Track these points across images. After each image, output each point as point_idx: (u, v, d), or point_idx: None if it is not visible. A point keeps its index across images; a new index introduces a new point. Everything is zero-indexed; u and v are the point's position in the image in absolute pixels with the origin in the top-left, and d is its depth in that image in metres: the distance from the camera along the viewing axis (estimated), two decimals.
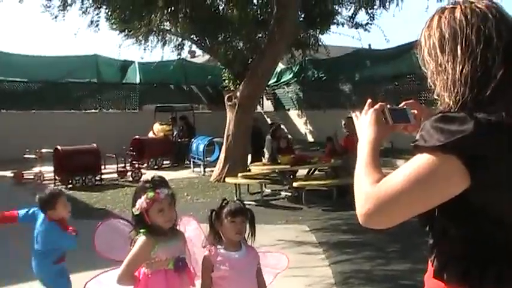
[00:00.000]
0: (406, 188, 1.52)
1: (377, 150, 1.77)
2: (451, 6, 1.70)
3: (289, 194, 11.79)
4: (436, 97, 1.71)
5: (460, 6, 1.68)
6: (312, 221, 9.28)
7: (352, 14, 19.09)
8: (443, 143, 1.49)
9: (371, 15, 18.39)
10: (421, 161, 1.54)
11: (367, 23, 18.89)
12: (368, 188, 1.61)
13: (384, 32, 48.73)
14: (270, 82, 23.10)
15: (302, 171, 12.82)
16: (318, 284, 6.03)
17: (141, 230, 3.35)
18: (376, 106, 1.87)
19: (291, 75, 25.89)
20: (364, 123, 1.86)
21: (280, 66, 22.88)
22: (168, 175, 12.08)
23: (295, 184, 11.35)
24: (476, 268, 1.58)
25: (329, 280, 6.18)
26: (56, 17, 15.41)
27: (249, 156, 15.01)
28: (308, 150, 18.84)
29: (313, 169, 12.76)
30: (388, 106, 1.88)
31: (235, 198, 8.14)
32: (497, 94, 1.54)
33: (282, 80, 26.33)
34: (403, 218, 1.57)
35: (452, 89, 1.61)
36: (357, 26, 19.30)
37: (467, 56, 1.59)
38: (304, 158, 12.61)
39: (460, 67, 1.60)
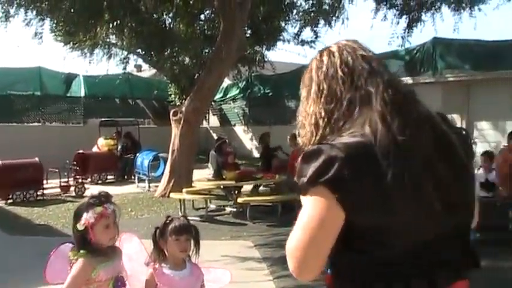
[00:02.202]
0: (305, 236, 1.58)
1: None
2: (313, 58, 1.88)
3: (234, 209, 11.76)
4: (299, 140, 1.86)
5: (316, 55, 1.86)
6: (257, 237, 9.32)
7: (298, 31, 19.52)
8: (307, 178, 1.57)
9: (316, 32, 18.85)
10: (304, 205, 1.62)
11: (312, 40, 19.33)
12: (288, 245, 1.65)
13: None
14: (216, 97, 23.11)
15: (247, 187, 12.86)
16: None
17: (81, 252, 3.28)
18: None
19: (238, 91, 25.96)
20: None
21: (227, 81, 22.93)
22: (112, 190, 11.83)
23: (239, 200, 11.35)
24: None
25: None
26: None
27: (194, 172, 14.95)
28: (253, 165, 18.90)
29: (258, 185, 12.80)
30: None
31: (180, 214, 8.14)
32: (353, 117, 1.66)
33: (228, 96, 26.36)
34: (322, 261, 1.63)
35: (307, 127, 1.78)
36: (303, 43, 19.70)
37: (319, 95, 1.76)
38: (249, 173, 12.65)
39: (313, 106, 1.77)
